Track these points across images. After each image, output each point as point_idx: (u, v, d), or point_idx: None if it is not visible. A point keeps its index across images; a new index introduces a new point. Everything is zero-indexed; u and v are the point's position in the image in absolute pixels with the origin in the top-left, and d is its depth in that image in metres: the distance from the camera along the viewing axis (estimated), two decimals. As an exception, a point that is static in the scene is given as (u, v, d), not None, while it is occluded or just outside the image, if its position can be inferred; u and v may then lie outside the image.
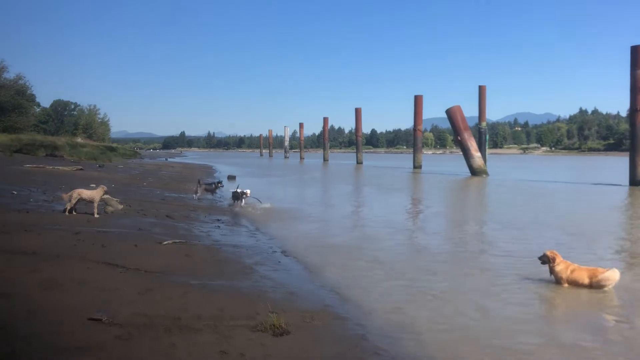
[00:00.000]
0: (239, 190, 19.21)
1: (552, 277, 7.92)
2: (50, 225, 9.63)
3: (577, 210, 19.59)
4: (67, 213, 11.20)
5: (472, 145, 40.55)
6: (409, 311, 6.61)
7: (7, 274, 5.92)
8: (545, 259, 7.96)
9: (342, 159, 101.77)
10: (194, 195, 19.38)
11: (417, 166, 52.03)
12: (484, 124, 45.88)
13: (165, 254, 8.30)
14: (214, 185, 20.57)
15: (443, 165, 65.84)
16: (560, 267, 7.79)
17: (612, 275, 7.51)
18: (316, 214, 17.11)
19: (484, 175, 39.54)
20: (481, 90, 45.84)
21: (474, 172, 39.98)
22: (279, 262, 8.89)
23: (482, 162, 40.91)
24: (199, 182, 20.08)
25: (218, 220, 13.74)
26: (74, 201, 11.35)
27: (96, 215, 11.34)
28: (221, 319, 5.34)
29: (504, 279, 8.28)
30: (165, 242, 9.20)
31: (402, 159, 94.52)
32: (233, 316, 5.49)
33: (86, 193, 11.54)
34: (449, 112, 41.08)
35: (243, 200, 19.00)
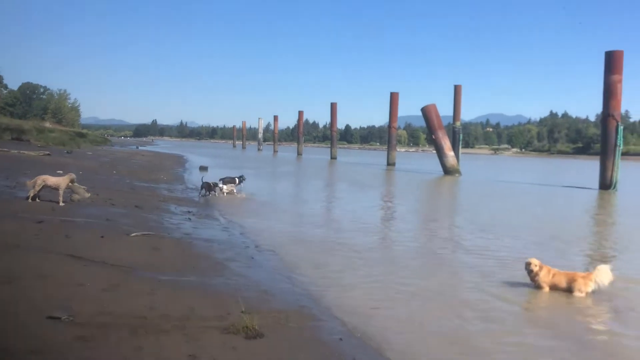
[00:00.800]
0: (212, 182, 18.87)
1: (533, 282, 7.81)
2: (11, 213, 9.15)
3: (549, 212, 19.71)
4: (30, 200, 10.70)
5: (446, 144, 40.68)
6: (388, 311, 6.40)
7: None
8: (530, 269, 7.82)
9: (316, 153, 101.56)
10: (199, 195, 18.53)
11: (390, 163, 52.09)
12: (458, 123, 46.15)
13: (133, 247, 7.94)
14: (237, 180, 19.82)
15: (416, 163, 66.12)
16: (543, 272, 7.69)
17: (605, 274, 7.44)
18: (290, 209, 16.84)
19: (457, 175, 39.72)
20: (456, 89, 46.07)
21: (447, 171, 40.13)
22: (252, 257, 8.60)
23: (455, 161, 41.10)
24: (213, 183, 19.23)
25: (189, 212, 13.36)
26: (38, 188, 10.85)
27: (61, 204, 10.86)
28: (191, 319, 5.04)
29: (490, 279, 8.14)
30: (134, 234, 8.82)
31: (376, 156, 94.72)
32: (203, 316, 5.20)
33: (52, 180, 11.05)
34: (424, 111, 41.13)
35: (217, 191, 18.63)
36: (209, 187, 18.98)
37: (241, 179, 20.08)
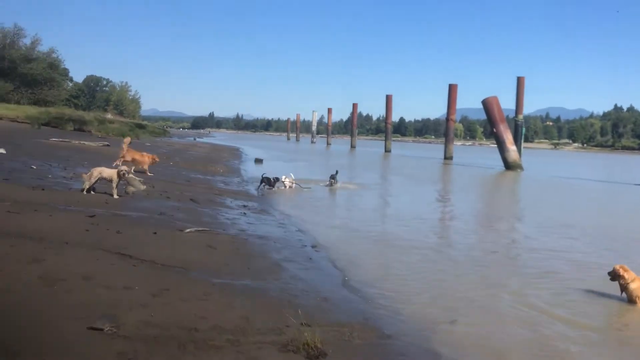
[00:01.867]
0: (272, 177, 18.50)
1: (624, 295, 6.91)
2: (64, 205, 8.92)
3: (622, 211, 18.34)
4: (84, 192, 10.51)
5: (508, 138, 39.09)
6: (468, 327, 5.71)
7: (5, 264, 5.16)
8: (615, 275, 6.93)
9: (370, 146, 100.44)
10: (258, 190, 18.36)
11: (448, 157, 50.63)
12: (520, 116, 44.29)
13: (186, 244, 7.51)
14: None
15: (474, 157, 64.24)
16: (636, 284, 6.77)
17: None
18: (345, 203, 16.26)
19: (519, 170, 38.13)
20: (519, 81, 44.14)
21: (509, 166, 38.57)
22: (310, 258, 8.04)
23: (517, 156, 39.46)
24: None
25: (244, 206, 12.95)
26: (93, 180, 10.65)
27: (115, 197, 10.63)
28: (245, 333, 4.51)
29: (566, 293, 7.31)
30: (188, 230, 8.42)
31: (431, 149, 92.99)
32: (259, 329, 4.66)
33: (107, 172, 10.83)
34: (485, 103, 39.60)
35: (276, 185, 18.33)
36: (268, 182, 18.64)
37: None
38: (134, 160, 16.28)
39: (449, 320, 5.97)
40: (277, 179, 19.08)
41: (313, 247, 8.99)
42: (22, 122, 36.79)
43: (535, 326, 5.94)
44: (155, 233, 7.83)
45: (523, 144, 44.12)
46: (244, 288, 5.85)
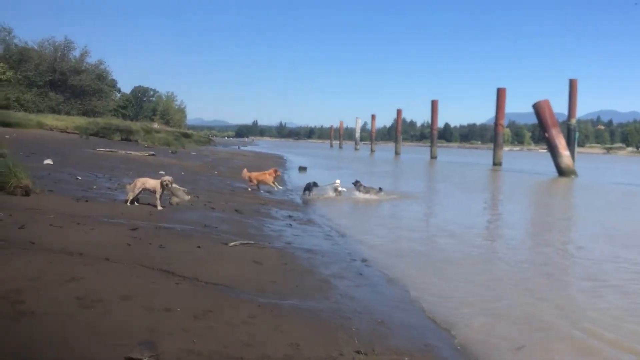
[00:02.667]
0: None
1: None
2: (107, 218, 8.72)
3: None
4: (128, 204, 10.33)
5: (561, 143, 37.66)
6: (537, 355, 5.13)
7: (42, 284, 4.89)
8: None
9: (414, 152, 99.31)
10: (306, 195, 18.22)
11: (497, 163, 49.31)
12: (573, 120, 42.65)
13: (231, 259, 7.15)
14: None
15: (523, 163, 62.47)
16: None
17: None
18: (394, 213, 15.70)
19: (573, 176, 36.65)
20: (572, 84, 42.56)
21: (562, 172, 37.12)
22: (361, 274, 7.55)
23: (571, 161, 37.95)
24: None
25: (290, 216, 12.58)
26: (137, 191, 10.47)
27: (159, 208, 10.41)
28: (296, 363, 4.08)
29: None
30: (233, 244, 8.07)
31: (478, 155, 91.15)
32: (311, 358, 4.22)
33: (150, 183, 10.63)
34: (536, 107, 38.28)
35: (314, 191, 18.09)
36: (309, 189, 18.41)
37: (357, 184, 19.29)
38: (259, 182, 16.47)
39: (516, 346, 5.40)
40: (314, 184, 18.71)
41: (363, 261, 8.50)
42: (71, 133, 37.73)
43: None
44: (199, 247, 7.51)
45: (576, 149, 42.47)
46: (292, 309, 5.41)
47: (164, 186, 10.44)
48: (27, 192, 9.33)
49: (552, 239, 12.62)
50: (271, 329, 4.72)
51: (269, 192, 18.21)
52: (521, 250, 10.85)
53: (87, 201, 10.00)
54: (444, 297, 6.97)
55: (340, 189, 18.24)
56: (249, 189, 16.62)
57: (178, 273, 6.03)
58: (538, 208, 21.04)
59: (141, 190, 10.53)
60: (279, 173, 16.74)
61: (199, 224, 9.51)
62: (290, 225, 11.25)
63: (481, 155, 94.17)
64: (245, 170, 17.69)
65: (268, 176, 16.55)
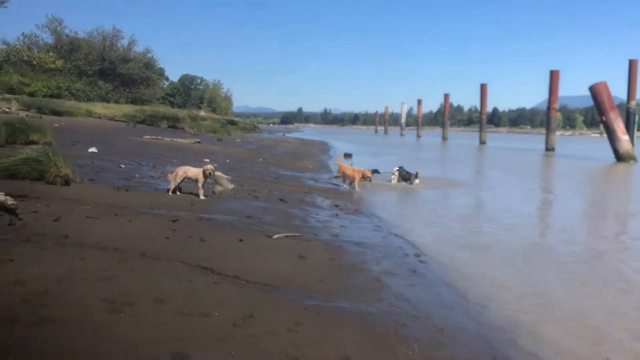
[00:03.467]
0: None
1: None
2: (147, 208, 8.38)
3: None
4: (170, 193, 10.00)
5: (619, 127, 35.78)
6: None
7: (69, 285, 4.51)
8: None
9: (462, 137, 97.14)
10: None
11: (549, 148, 47.41)
12: (633, 103, 40.46)
13: (274, 254, 6.67)
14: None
15: (577, 148, 59.99)
16: None
17: None
18: (446, 202, 14.95)
19: (632, 162, 34.78)
20: (632, 65, 40.32)
21: (620, 157, 35.29)
22: (415, 271, 6.95)
23: (630, 146, 36.01)
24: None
25: (336, 206, 12.05)
26: (178, 180, 10.13)
27: (202, 197, 10.04)
28: (347, 382, 3.55)
29: None
30: (276, 236, 7.59)
31: (528, 140, 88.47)
32: (364, 375, 3.68)
33: (192, 171, 10.27)
34: (593, 89, 36.41)
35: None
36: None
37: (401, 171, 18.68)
38: (344, 175, 16.09)
39: None
40: (374, 171, 18.27)
41: (416, 256, 7.89)
42: (119, 121, 38.12)
43: None
44: (241, 240, 7.06)
45: (636, 133, 40.31)
46: (341, 313, 4.88)
47: (206, 175, 10.06)
48: (66, 182, 9.09)
49: (619, 228, 11.69)
50: (318, 338, 4.20)
51: (314, 179, 17.72)
52: (585, 244, 10.01)
53: (127, 190, 9.70)
54: (505, 299, 6.31)
55: (396, 176, 17.80)
56: (333, 176, 16.12)
57: (218, 270, 5.59)
58: (599, 196, 19.84)
59: (183, 179, 10.18)
60: (368, 175, 16.07)
61: (241, 214, 9.08)
62: (337, 215, 10.72)
63: (532, 140, 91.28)
64: (341, 156, 16.97)
65: (357, 173, 15.98)
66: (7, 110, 27.96)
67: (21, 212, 6.70)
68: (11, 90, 44.87)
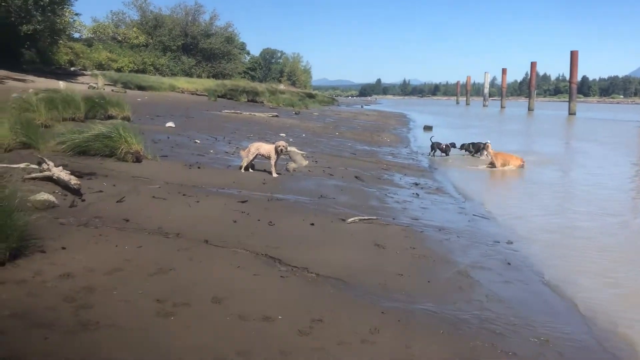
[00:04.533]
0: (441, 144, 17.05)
1: None
2: (216, 187, 7.98)
3: None
4: (242, 171, 9.60)
5: None
6: None
7: (121, 279, 4.09)
8: None
9: (549, 108, 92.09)
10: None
11: (650, 119, 43.71)
12: None
13: (348, 241, 6.05)
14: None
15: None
16: None
17: None
18: (537, 180, 13.75)
19: None
20: None
21: None
22: (508, 263, 6.11)
23: None
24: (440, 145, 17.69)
25: (416, 184, 11.25)
26: (251, 157, 9.69)
27: (274, 175, 9.56)
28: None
29: None
30: (351, 220, 6.96)
31: (622, 111, 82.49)
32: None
33: (265, 148, 9.79)
34: None
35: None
36: (440, 149, 17.13)
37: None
38: (503, 162, 15.26)
39: None
40: (449, 146, 17.29)
41: (508, 243, 7.02)
42: (201, 95, 38.65)
43: None
44: (312, 224, 6.50)
45: None
46: (425, 318, 4.19)
47: (278, 151, 9.55)
48: (137, 159, 8.86)
49: None
50: (399, 351, 3.56)
51: (392, 154, 16.92)
52: None
53: (199, 168, 9.38)
54: (620, 305, 5.37)
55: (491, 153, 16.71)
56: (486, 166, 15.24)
57: (286, 261, 5.04)
58: None
59: (255, 156, 9.74)
60: (523, 163, 15.07)
61: (315, 194, 8.52)
62: (417, 195, 9.94)
63: (625, 110, 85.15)
64: (489, 148, 15.83)
65: (515, 160, 15.07)
66: (94, 85, 28.80)
67: (86, 191, 6.46)
68: (100, 67, 46.47)
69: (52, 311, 3.40)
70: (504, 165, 14.96)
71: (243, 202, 7.12)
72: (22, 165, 7.13)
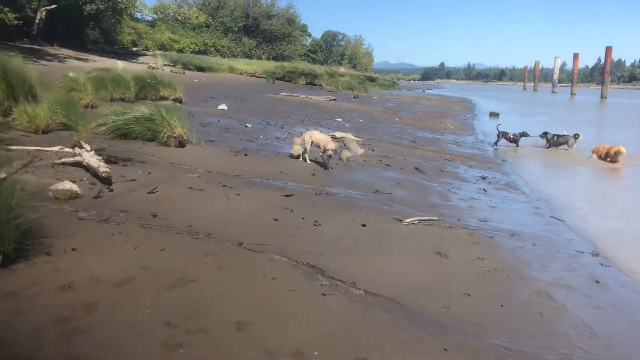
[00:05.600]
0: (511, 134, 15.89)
1: None
2: (261, 177, 7.27)
3: None
4: (301, 160, 8.87)
5: None
6: None
7: (129, 292, 3.43)
8: None
9: (624, 96, 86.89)
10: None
11: None
12: None
13: (404, 248, 5.22)
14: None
15: None
16: None
17: None
18: (622, 178, 12.41)
19: None
20: None
21: None
22: (597, 281, 5.11)
23: None
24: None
25: (483, 178, 10.22)
26: (308, 146, 8.90)
27: (329, 169, 8.70)
28: None
29: None
30: (408, 221, 6.11)
31: None
32: None
33: (317, 136, 8.96)
34: None
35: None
36: (509, 140, 15.93)
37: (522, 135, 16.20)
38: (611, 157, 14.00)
39: None
40: (520, 135, 15.97)
41: (594, 255, 5.99)
42: (259, 77, 38.23)
43: None
44: (364, 225, 5.70)
45: None
46: (499, 358, 3.33)
47: (327, 149, 8.54)
48: (181, 143, 8.28)
49: None
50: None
51: (456, 143, 15.81)
52: None
53: (246, 155, 8.71)
54: None
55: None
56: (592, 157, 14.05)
57: (330, 272, 4.27)
58: None
59: (310, 144, 8.94)
60: (622, 152, 13.75)
61: (369, 188, 7.70)
62: (485, 190, 8.94)
63: None
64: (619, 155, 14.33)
65: (618, 150, 13.76)
66: (153, 66, 28.80)
67: (117, 180, 5.89)
68: (162, 47, 46.90)
69: (34, 339, 2.77)
70: (606, 158, 13.61)
71: (288, 196, 6.38)
72: (55, 148, 6.67)
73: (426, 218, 6.31)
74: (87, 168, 5.99)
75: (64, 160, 6.18)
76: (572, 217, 7.84)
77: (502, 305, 4.17)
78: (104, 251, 3.99)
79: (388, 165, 9.83)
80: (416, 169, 9.92)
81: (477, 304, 4.13)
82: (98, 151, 7.00)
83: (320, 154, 8.75)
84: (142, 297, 3.38)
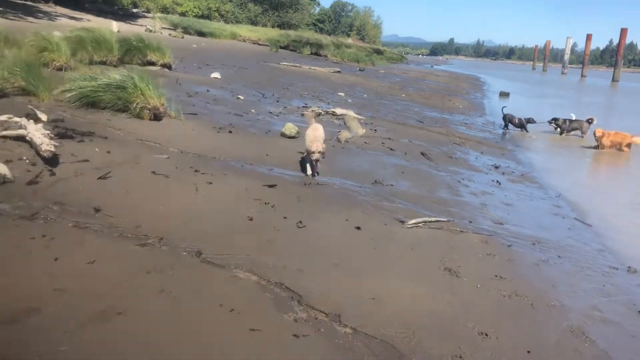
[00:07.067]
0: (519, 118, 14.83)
1: None
2: (242, 161, 6.27)
3: None
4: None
5: None
6: None
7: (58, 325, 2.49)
8: None
9: (635, 80, 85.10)
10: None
11: None
12: None
13: (406, 262, 4.25)
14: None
15: None
16: None
17: None
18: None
19: None
20: None
21: None
22: (634, 304, 4.17)
23: None
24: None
25: (495, 167, 9.22)
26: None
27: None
28: None
29: None
30: (412, 222, 5.14)
31: None
32: None
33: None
34: None
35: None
36: (514, 124, 14.87)
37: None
38: (611, 144, 12.83)
39: None
40: (528, 121, 14.85)
41: (631, 272, 5.04)
42: (262, 45, 36.86)
43: None
44: (358, 228, 4.73)
45: None
46: None
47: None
48: (156, 116, 7.26)
49: None
50: None
51: (465, 124, 14.75)
52: None
53: (230, 132, 7.69)
54: None
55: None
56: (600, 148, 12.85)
57: (308, 300, 3.32)
58: None
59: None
60: (636, 141, 12.65)
61: (368, 177, 6.70)
62: (498, 183, 7.95)
63: None
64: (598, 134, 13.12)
65: (628, 139, 12.61)
66: (150, 28, 27.51)
67: (67, 159, 4.91)
68: (164, 10, 45.36)
69: None
70: (615, 146, 12.59)
71: (271, 186, 5.40)
72: (2, 117, 5.66)
73: (433, 219, 5.33)
74: (31, 144, 5.01)
75: (4, 133, 5.19)
76: (599, 220, 6.85)
77: (528, 352, 3.22)
78: (9, 264, 3.03)
79: (391, 149, 8.81)
80: (422, 154, 8.92)
81: (497, 348, 3.18)
82: (55, 122, 6.04)
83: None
84: (39, 341, 2.43)
